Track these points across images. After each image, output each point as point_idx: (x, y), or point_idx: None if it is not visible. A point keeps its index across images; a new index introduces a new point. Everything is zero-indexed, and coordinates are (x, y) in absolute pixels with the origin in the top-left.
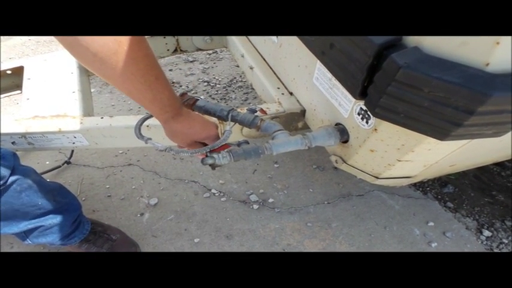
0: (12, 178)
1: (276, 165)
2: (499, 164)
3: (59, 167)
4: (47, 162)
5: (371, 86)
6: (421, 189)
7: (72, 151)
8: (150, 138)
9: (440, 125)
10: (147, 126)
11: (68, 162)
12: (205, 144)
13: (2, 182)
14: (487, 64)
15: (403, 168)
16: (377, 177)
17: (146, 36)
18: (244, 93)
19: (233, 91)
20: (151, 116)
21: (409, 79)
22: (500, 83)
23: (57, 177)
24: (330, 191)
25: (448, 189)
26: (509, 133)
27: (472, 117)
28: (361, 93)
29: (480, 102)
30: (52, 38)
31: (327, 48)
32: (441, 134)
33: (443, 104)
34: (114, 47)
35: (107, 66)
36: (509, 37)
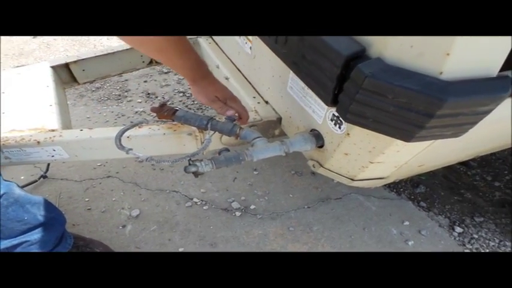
0: None
1: (255, 172)
2: (465, 164)
3: (35, 181)
4: (22, 177)
5: (341, 94)
6: (395, 190)
7: (48, 164)
8: (131, 149)
9: (405, 127)
10: (128, 137)
11: (44, 177)
12: (224, 103)
13: None
14: (441, 73)
15: (376, 169)
16: (353, 179)
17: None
18: None
19: None
20: (131, 127)
21: (374, 87)
22: (453, 89)
23: (34, 192)
24: (309, 196)
25: (420, 189)
26: (468, 134)
27: (432, 120)
28: (332, 100)
29: (437, 107)
30: (21, 51)
31: (298, 59)
32: (406, 135)
33: (406, 108)
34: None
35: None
36: (458, 49)
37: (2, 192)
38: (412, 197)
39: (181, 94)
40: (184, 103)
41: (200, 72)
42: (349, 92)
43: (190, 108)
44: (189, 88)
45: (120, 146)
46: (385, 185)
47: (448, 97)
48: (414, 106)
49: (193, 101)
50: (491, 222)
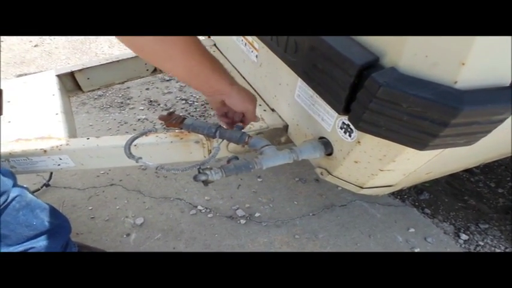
0: (12, 194)
1: (259, 180)
2: (468, 171)
3: (38, 190)
4: (24, 186)
5: (354, 103)
6: (399, 197)
7: (51, 173)
8: (141, 157)
9: (418, 136)
10: (135, 145)
11: (47, 185)
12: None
13: (3, 199)
14: (455, 82)
15: (385, 177)
16: (361, 187)
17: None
18: None
19: (211, 108)
20: (140, 135)
21: (389, 96)
22: (468, 98)
23: None
24: (314, 203)
25: (424, 196)
26: (479, 142)
27: (446, 128)
28: (344, 109)
29: (453, 116)
30: (23, 59)
31: (309, 68)
32: (420, 144)
33: (420, 117)
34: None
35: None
36: (473, 58)
37: (15, 194)
38: (417, 203)
39: (183, 101)
40: (186, 110)
41: (230, 75)
42: (362, 101)
43: (193, 116)
44: (192, 95)
45: (130, 155)
46: (389, 192)
47: (463, 106)
48: (429, 115)
49: (195, 109)
50: (496, 229)
